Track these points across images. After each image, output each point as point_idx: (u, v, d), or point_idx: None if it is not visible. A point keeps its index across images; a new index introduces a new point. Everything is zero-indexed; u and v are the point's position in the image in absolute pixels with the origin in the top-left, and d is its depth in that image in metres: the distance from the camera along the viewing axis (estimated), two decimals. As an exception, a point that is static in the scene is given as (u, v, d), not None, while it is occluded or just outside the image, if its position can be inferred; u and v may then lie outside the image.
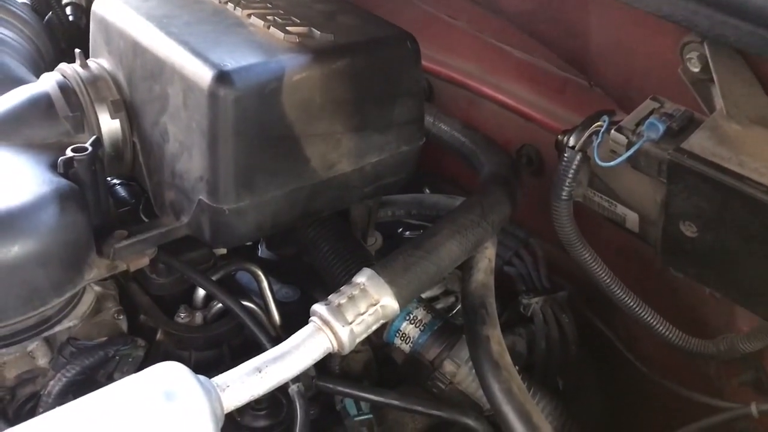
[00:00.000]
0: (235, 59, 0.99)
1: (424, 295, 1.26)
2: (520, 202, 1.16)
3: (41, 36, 1.42)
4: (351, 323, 0.92)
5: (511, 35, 1.52)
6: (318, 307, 0.93)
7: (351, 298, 0.93)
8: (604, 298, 1.10)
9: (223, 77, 0.96)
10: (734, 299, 0.93)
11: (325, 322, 0.91)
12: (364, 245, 1.27)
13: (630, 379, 1.21)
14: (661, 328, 1.08)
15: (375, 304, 0.94)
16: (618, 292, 1.07)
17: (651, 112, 0.94)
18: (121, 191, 1.30)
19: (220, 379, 0.85)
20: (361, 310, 0.93)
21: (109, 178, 1.29)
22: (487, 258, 1.12)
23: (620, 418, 1.20)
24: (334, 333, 0.91)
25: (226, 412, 0.85)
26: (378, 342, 1.17)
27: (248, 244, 1.39)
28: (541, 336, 1.29)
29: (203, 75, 0.97)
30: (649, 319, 1.07)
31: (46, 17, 1.70)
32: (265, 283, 1.20)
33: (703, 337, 1.08)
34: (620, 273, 1.08)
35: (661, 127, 0.87)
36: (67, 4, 1.76)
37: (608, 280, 1.06)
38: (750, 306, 0.91)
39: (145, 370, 0.82)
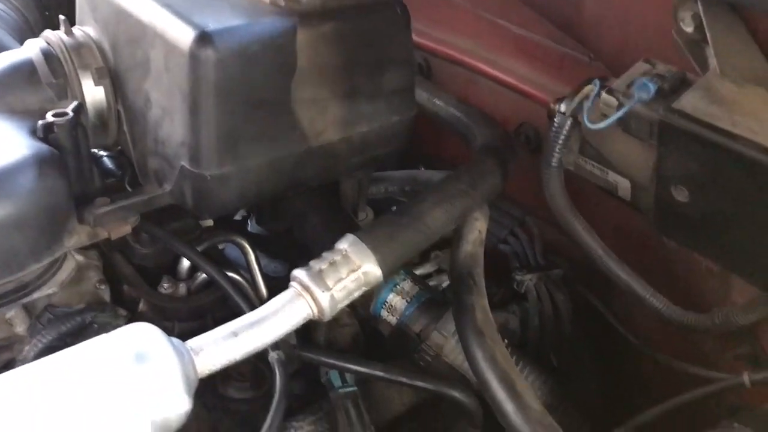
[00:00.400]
0: (217, 21, 0.96)
1: (417, 272, 1.24)
2: (511, 173, 1.13)
3: (29, 6, 1.40)
4: (331, 289, 0.89)
5: (509, 10, 1.50)
6: (298, 272, 0.90)
7: (332, 263, 0.91)
8: (601, 275, 1.07)
9: (204, 38, 0.94)
10: (728, 267, 0.90)
11: (305, 288, 0.89)
12: (354, 219, 1.24)
13: (625, 355, 1.18)
14: (654, 301, 1.05)
15: (356, 270, 0.91)
16: (610, 264, 1.04)
17: (644, 74, 0.90)
18: (109, 163, 1.27)
19: (194, 342, 0.83)
20: (342, 275, 0.90)
21: (97, 150, 1.29)
22: (477, 230, 1.10)
23: (615, 394, 1.17)
24: (314, 298, 0.89)
25: (200, 376, 0.82)
26: (366, 315, 1.15)
27: (237, 218, 1.38)
28: (535, 313, 1.26)
29: (184, 36, 0.95)
30: (642, 292, 1.04)
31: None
32: (251, 256, 1.18)
33: (700, 311, 1.05)
34: (619, 249, 1.06)
35: (652, 88, 0.85)
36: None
37: (600, 252, 1.03)
38: (744, 274, 0.89)
39: (117, 329, 0.80)
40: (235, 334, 0.84)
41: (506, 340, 1.09)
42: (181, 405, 0.77)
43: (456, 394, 1.02)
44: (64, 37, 1.13)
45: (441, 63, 1.62)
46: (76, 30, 1.15)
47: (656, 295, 1.05)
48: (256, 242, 1.24)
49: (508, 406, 0.85)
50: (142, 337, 0.79)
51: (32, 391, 0.72)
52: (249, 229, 1.36)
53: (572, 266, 1.34)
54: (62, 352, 0.77)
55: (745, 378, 0.87)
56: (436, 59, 1.63)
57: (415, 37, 1.63)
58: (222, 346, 0.83)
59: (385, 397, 1.14)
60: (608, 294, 1.30)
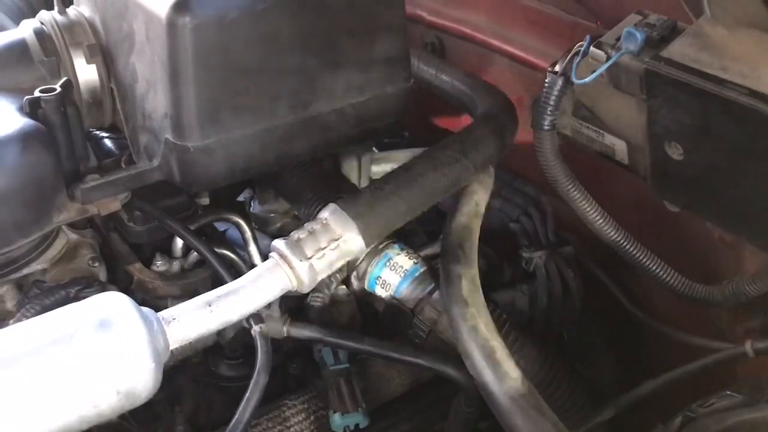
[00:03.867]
0: (196, -11, 0.94)
1: (423, 253, 1.20)
2: (510, 141, 1.08)
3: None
4: (310, 258, 0.86)
5: (517, -20, 1.45)
6: (277, 242, 0.88)
7: (312, 232, 0.88)
8: (612, 251, 1.02)
9: (181, 5, 0.92)
10: (729, 228, 0.85)
11: (283, 257, 0.86)
12: (354, 186, 1.20)
13: (634, 329, 1.12)
14: (662, 273, 0.99)
15: (337, 239, 0.88)
16: (612, 234, 0.99)
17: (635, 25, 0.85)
18: (108, 144, 1.27)
19: (166, 312, 0.81)
20: (322, 244, 0.88)
21: (99, 132, 1.29)
22: (474, 201, 1.06)
23: (625, 368, 1.12)
24: (292, 267, 0.86)
25: (172, 346, 0.81)
26: (361, 291, 1.11)
27: (240, 200, 1.36)
28: (544, 291, 1.21)
29: (162, 4, 0.93)
30: (648, 263, 0.99)
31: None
32: (248, 233, 1.17)
33: (712, 283, 0.99)
34: (634, 224, 1.01)
35: (639, 36, 0.80)
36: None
37: (601, 221, 0.98)
38: (747, 235, 0.83)
39: (86, 299, 0.78)
40: (208, 303, 0.82)
41: (503, 315, 1.05)
42: (147, 374, 0.75)
43: (449, 370, 0.98)
44: (57, 16, 1.13)
45: (454, 41, 1.58)
46: (71, 9, 1.16)
47: (664, 268, 1.00)
48: (259, 222, 1.22)
49: (487, 375, 0.81)
50: (108, 304, 0.77)
51: (-6, 358, 0.71)
52: (251, 209, 1.34)
53: (584, 242, 1.29)
54: (28, 321, 0.76)
55: (748, 347, 0.81)
56: (449, 37, 1.59)
57: (426, 15, 1.63)
58: (195, 317, 0.82)
59: (382, 376, 1.11)
60: (622, 270, 1.24)
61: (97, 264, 1.09)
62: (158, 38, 0.95)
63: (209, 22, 0.93)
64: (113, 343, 0.74)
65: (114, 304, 0.77)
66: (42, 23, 1.13)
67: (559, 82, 0.91)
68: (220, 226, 1.26)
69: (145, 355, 0.75)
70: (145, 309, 0.79)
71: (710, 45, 0.76)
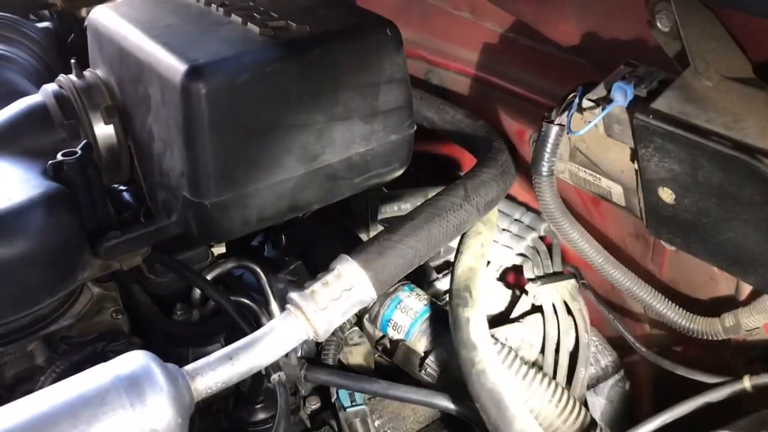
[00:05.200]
0: (207, 54, 1.00)
1: (433, 290, 1.25)
2: (511, 183, 1.12)
3: (52, 55, 1.48)
4: (324, 309, 0.91)
5: (514, 22, 1.50)
6: (292, 294, 0.92)
7: (325, 284, 0.93)
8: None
9: (194, 71, 0.97)
10: (723, 267, 0.88)
11: (298, 308, 0.91)
12: (359, 239, 1.25)
13: (636, 362, 1.16)
14: (662, 307, 1.03)
15: (349, 289, 0.92)
16: (612, 271, 1.03)
17: (624, 77, 0.90)
18: (127, 197, 1.32)
19: (190, 367, 0.85)
20: (335, 295, 0.92)
21: (117, 185, 1.34)
22: (479, 243, 1.10)
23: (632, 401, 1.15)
24: (307, 319, 0.90)
25: (197, 399, 0.85)
26: (374, 334, 1.15)
27: (254, 244, 1.41)
28: (551, 324, 1.25)
29: (176, 70, 0.98)
30: (648, 298, 1.03)
31: (69, 40, 1.77)
32: (263, 279, 1.21)
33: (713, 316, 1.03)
34: (635, 255, 1.04)
35: (628, 90, 0.84)
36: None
37: (600, 260, 1.02)
38: (739, 274, 0.86)
39: (113, 359, 0.83)
40: (229, 357, 0.86)
41: (513, 352, 1.09)
42: (175, 430, 0.79)
43: (461, 409, 1.01)
44: (75, 80, 1.18)
45: (454, 77, 1.63)
46: (87, 72, 1.21)
47: (664, 301, 1.04)
48: (271, 266, 1.27)
49: (496, 419, 0.84)
50: (134, 363, 0.81)
51: (29, 421, 0.75)
52: (265, 254, 1.39)
53: (589, 275, 1.32)
54: (60, 383, 0.80)
55: (747, 383, 0.85)
56: (449, 74, 1.64)
57: (428, 55, 1.68)
58: (217, 370, 0.86)
59: (398, 415, 1.15)
60: (626, 301, 1.28)
61: (120, 316, 1.14)
62: (173, 102, 1.00)
63: (222, 86, 0.98)
64: (142, 403, 0.78)
65: (141, 363, 0.81)
66: (61, 87, 1.18)
67: (555, 130, 0.96)
68: (236, 270, 1.31)
69: (173, 413, 0.79)
70: (170, 366, 0.83)
71: (696, 97, 0.80)
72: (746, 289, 1.01)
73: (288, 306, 0.92)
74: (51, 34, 1.61)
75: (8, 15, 1.50)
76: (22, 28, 1.47)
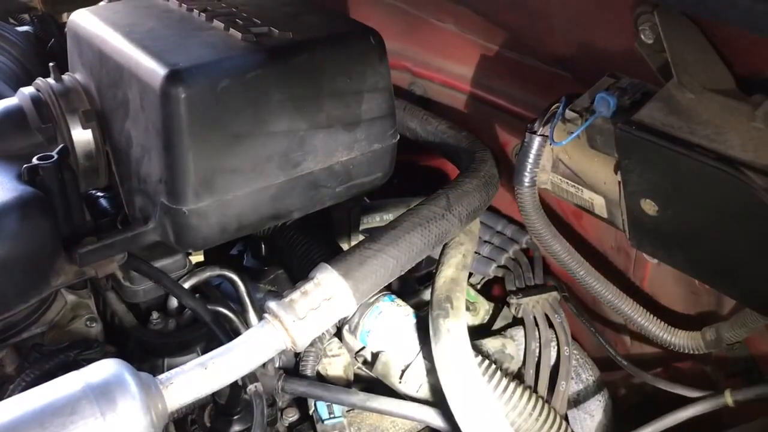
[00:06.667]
0: (187, 59, 0.99)
1: (414, 301, 1.23)
2: (493, 194, 1.12)
3: (29, 57, 1.46)
4: (303, 318, 0.89)
5: (498, 34, 1.50)
6: (270, 303, 0.91)
7: (304, 293, 0.91)
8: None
9: (174, 76, 0.96)
10: (705, 280, 0.87)
11: (276, 318, 0.89)
12: (340, 248, 1.24)
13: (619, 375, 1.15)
14: (645, 321, 1.03)
15: (329, 299, 0.91)
16: (594, 284, 1.03)
17: (607, 89, 0.89)
18: (104, 203, 1.30)
19: (163, 376, 0.84)
20: (314, 305, 0.90)
21: (95, 191, 1.32)
22: (460, 254, 1.09)
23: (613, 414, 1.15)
24: (285, 328, 0.89)
25: (171, 409, 0.83)
26: (354, 345, 1.14)
27: (234, 253, 1.39)
28: (532, 336, 1.24)
29: (155, 75, 0.97)
30: (631, 312, 1.02)
31: (49, 44, 1.75)
32: (242, 288, 1.19)
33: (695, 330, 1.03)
34: (618, 267, 1.04)
35: (611, 101, 0.84)
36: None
37: (582, 272, 1.02)
38: (721, 287, 0.86)
39: (85, 367, 0.81)
40: (204, 366, 0.85)
41: (494, 364, 1.08)
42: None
43: (440, 422, 1.00)
44: (53, 83, 1.16)
45: (438, 89, 1.63)
46: (66, 76, 1.19)
47: (646, 315, 1.03)
48: (252, 276, 1.25)
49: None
50: (107, 371, 0.80)
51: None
52: (245, 263, 1.37)
53: (570, 287, 1.32)
54: (30, 391, 0.78)
55: (728, 398, 0.84)
56: (434, 85, 1.64)
57: (412, 66, 1.68)
58: (192, 379, 0.84)
59: (377, 428, 1.13)
60: (608, 314, 1.27)
61: (94, 324, 1.12)
62: (152, 107, 0.98)
63: (202, 91, 0.97)
64: (113, 412, 0.76)
65: (113, 371, 0.80)
66: (38, 90, 1.17)
67: (537, 141, 0.96)
68: (214, 279, 1.29)
69: (146, 423, 0.78)
70: (143, 374, 0.81)
71: (679, 109, 0.80)
72: (728, 303, 1.01)
73: (266, 315, 0.91)
74: (31, 38, 1.59)
75: (-16, 19, 1.48)
76: (1, 32, 1.45)
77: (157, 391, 0.81)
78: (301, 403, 1.17)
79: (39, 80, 1.18)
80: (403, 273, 1.00)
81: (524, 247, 1.41)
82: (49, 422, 0.73)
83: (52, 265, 1.04)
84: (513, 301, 1.26)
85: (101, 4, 1.32)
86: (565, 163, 0.97)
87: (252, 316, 1.18)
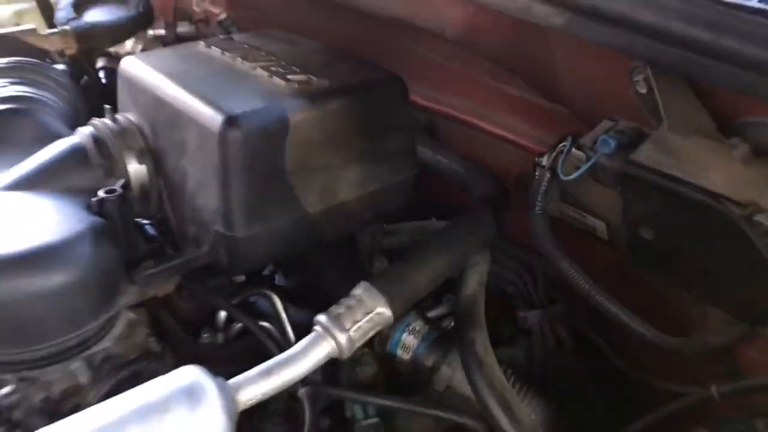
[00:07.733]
0: (241, 106, 1.13)
1: (431, 315, 1.37)
2: (505, 220, 1.26)
3: (77, 97, 1.59)
4: (348, 330, 1.03)
5: (502, 73, 1.65)
6: (320, 317, 1.04)
7: (349, 308, 1.05)
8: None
9: (231, 122, 1.10)
10: (696, 297, 1.02)
11: (326, 330, 1.03)
12: (368, 267, 1.38)
13: (619, 379, 1.30)
14: (643, 330, 1.17)
15: (370, 313, 1.05)
16: (599, 298, 1.17)
17: (608, 131, 1.05)
18: (150, 230, 1.43)
19: (233, 381, 0.97)
20: (358, 318, 1.04)
21: (140, 219, 1.45)
22: (478, 273, 1.23)
23: (614, 415, 1.29)
24: (335, 339, 1.02)
25: (240, 410, 0.96)
26: (383, 354, 1.28)
27: (266, 273, 1.53)
28: (539, 347, 1.38)
29: (214, 121, 1.11)
30: (628, 320, 1.16)
31: (83, 80, 1.89)
32: (279, 306, 1.32)
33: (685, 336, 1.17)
34: (618, 283, 1.19)
35: (612, 143, 0.99)
36: (100, 69, 1.95)
37: (587, 287, 1.16)
38: (711, 302, 1.01)
39: (169, 373, 0.94)
40: (269, 371, 0.98)
41: (509, 370, 1.22)
42: (224, 437, 0.91)
43: (467, 420, 1.14)
44: (110, 123, 1.30)
45: (446, 122, 1.78)
46: (120, 116, 1.33)
47: (642, 324, 1.18)
48: (283, 294, 1.38)
49: (504, 423, 0.97)
50: (190, 376, 0.93)
51: (104, 427, 0.86)
52: (276, 282, 1.50)
53: (573, 301, 1.46)
54: (123, 395, 0.91)
55: (714, 391, 0.99)
56: (442, 119, 1.78)
57: (420, 100, 1.83)
58: (258, 383, 0.97)
59: (406, 428, 1.27)
60: (608, 325, 1.42)
61: (152, 339, 1.24)
62: (211, 148, 1.12)
63: (255, 134, 1.11)
64: (200, 410, 0.89)
65: (195, 377, 0.93)
66: (96, 129, 1.30)
67: (547, 175, 1.11)
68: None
69: (225, 419, 0.91)
70: (219, 379, 0.95)
71: (669, 150, 0.95)
72: (712, 313, 1.15)
73: (316, 327, 1.04)
74: (70, 76, 1.72)
75: (32, 60, 1.61)
76: (47, 72, 1.58)
77: (230, 394, 0.94)
78: (332, 410, 1.30)
79: (95, 120, 1.32)
80: (431, 290, 1.14)
81: (530, 264, 1.55)
82: (149, 418, 0.86)
83: (118, 286, 1.17)
84: (521, 314, 1.40)
85: (148, 51, 1.45)
86: (571, 193, 1.12)
87: (289, 330, 1.31)
